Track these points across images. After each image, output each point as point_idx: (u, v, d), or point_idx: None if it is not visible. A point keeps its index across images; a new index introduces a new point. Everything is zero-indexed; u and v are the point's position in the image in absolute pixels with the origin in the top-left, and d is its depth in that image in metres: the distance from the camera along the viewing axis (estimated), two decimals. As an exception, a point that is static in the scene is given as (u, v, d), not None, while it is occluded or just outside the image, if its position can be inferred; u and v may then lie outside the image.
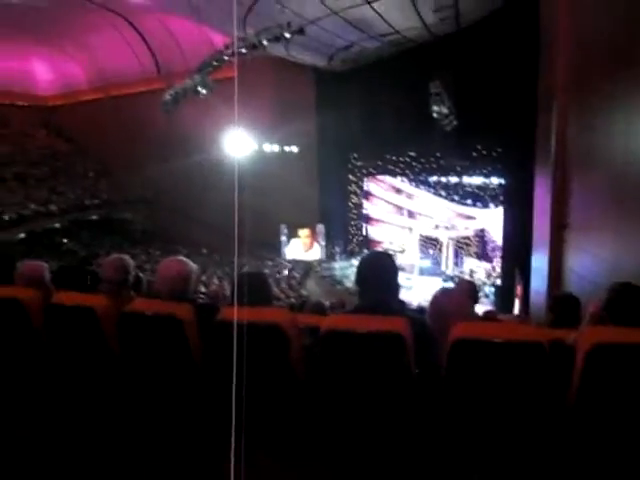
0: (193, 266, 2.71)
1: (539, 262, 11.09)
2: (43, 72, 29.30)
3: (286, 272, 21.80)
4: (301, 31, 13.39)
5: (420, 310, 5.94)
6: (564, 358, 2.11)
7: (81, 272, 3.34)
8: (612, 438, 1.99)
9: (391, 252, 21.83)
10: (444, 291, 2.45)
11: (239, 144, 15.22)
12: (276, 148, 20.83)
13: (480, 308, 7.67)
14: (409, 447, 2.12)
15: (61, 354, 2.85)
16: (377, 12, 14.01)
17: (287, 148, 21.26)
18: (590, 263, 8.05)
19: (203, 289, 14.41)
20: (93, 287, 3.17)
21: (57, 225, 24.06)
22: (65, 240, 25.06)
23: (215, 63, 16.12)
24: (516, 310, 14.08)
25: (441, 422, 2.13)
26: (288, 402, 2.34)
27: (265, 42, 13.62)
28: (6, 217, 20.71)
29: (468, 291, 3.20)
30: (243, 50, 14.44)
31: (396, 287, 2.32)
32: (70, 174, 27.35)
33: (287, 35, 13.24)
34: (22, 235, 21.68)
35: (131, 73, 26.36)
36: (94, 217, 26.00)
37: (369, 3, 13.33)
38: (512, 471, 2.05)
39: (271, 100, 21.83)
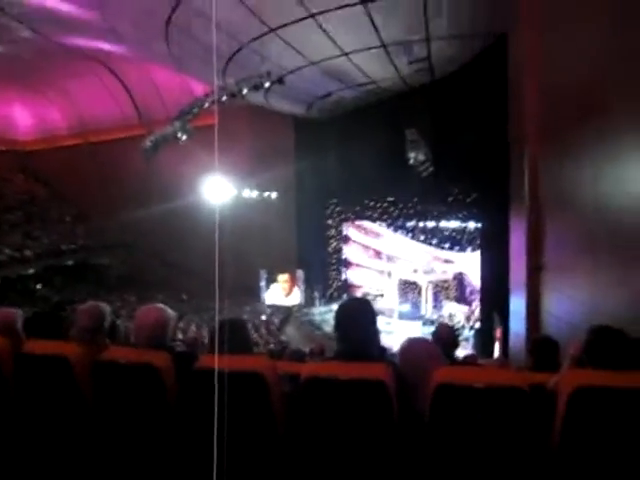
0: (171, 313, 2.67)
1: (517, 305, 11.16)
2: (23, 117, 29.39)
3: (264, 317, 21.57)
4: (281, 81, 13.74)
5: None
6: (546, 402, 2.11)
7: (54, 318, 3.25)
8: (597, 483, 1.97)
9: (370, 296, 21.86)
10: (412, 340, 2.45)
11: (218, 190, 15.29)
12: (255, 194, 20.97)
13: (460, 352, 7.64)
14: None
15: (31, 405, 2.74)
16: (354, 64, 14.48)
17: (266, 194, 21.42)
18: (567, 305, 8.13)
19: (181, 336, 14.13)
20: (66, 334, 3.09)
21: (31, 271, 23.57)
22: (39, 286, 24.52)
23: (195, 110, 16.36)
24: (496, 353, 14.07)
25: (426, 468, 2.09)
26: (269, 452, 2.28)
27: (245, 91, 13.90)
28: (-22, 263, 20.27)
29: (448, 335, 3.20)
30: (223, 98, 14.71)
31: (375, 333, 2.31)
32: (46, 219, 27.07)
33: (267, 84, 13.55)
34: (-6, 281, 21.17)
35: (111, 119, 26.59)
36: (70, 262, 25.57)
37: (347, 55, 13.79)
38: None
39: (250, 146, 22.14)
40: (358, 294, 22.82)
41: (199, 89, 17.50)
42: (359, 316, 2.25)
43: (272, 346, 14.80)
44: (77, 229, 27.38)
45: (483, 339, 16.79)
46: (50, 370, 2.60)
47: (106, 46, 19.39)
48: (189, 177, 18.55)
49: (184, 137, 16.71)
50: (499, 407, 1.97)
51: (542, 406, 2.09)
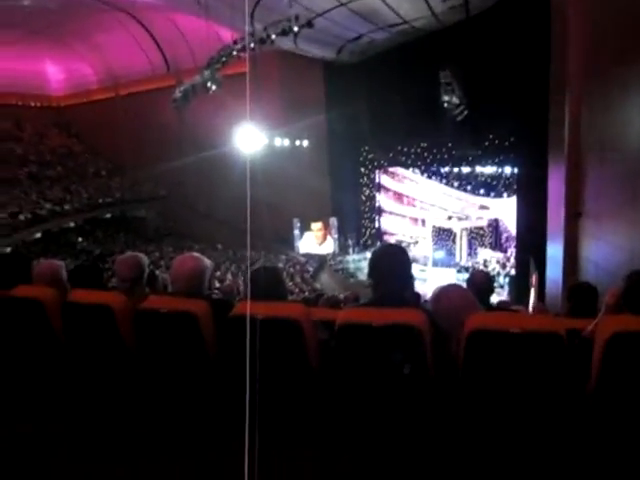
0: (207, 262, 2.72)
1: (554, 251, 10.99)
2: (55, 73, 29.57)
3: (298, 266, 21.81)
4: (309, 24, 13.33)
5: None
6: (582, 348, 2.09)
7: (95, 270, 3.37)
8: (632, 428, 1.97)
9: (404, 244, 21.79)
10: (445, 287, 2.43)
11: (250, 139, 15.20)
12: (287, 143, 20.80)
13: (495, 298, 7.61)
14: (428, 440, 2.11)
15: (79, 352, 2.87)
16: (385, 2, 13.90)
17: (298, 142, 21.23)
18: (606, 251, 7.96)
19: (217, 284, 14.47)
20: (107, 285, 3.19)
21: (72, 224, 24.30)
22: (80, 239, 25.30)
23: (224, 59, 16.12)
24: (532, 299, 13.98)
25: (460, 415, 2.12)
26: (305, 397, 2.34)
27: (273, 36, 13.59)
28: (22, 217, 20.93)
29: (483, 281, 3.16)
30: (252, 45, 14.42)
31: (410, 279, 2.31)
32: (83, 174, 27.60)
33: (295, 29, 13.19)
34: (38, 235, 21.90)
35: (141, 71, 26.48)
36: (108, 215, 26.21)
37: (377, -6, 13.24)
38: (533, 463, 2.03)
39: (280, 95, 21.80)
40: (392, 242, 22.77)
41: (227, 36, 17.13)
42: (393, 262, 2.25)
43: (306, 294, 15.03)
44: (113, 183, 27.88)
45: (519, 286, 16.68)
46: (94, 318, 2.71)
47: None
48: (221, 127, 18.47)
49: (214, 87, 16.55)
50: (535, 352, 1.96)
51: (579, 352, 2.07)
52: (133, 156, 27.26)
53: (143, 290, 3.07)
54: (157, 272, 4.03)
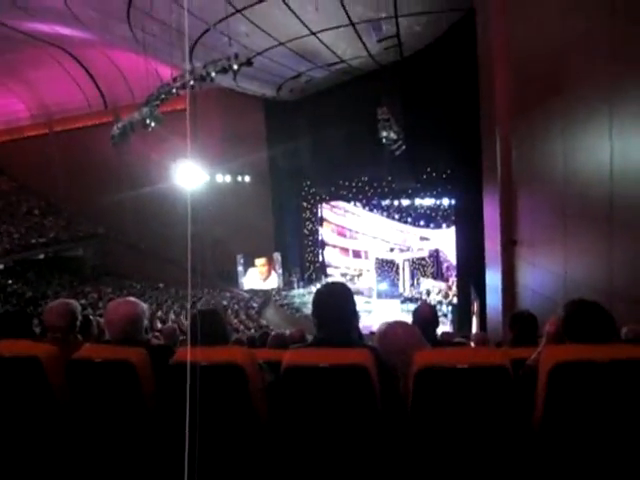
0: (143, 306, 2.59)
1: (493, 279, 11.32)
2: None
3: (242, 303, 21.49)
4: (249, 62, 13.48)
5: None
6: (527, 378, 2.11)
7: (23, 317, 3.13)
8: (579, 456, 1.99)
9: (348, 276, 21.96)
10: (390, 325, 2.43)
11: (191, 175, 15.04)
12: (228, 179, 20.74)
13: (439, 329, 7.72)
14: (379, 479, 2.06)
15: (3, 408, 2.65)
16: (323, 42, 14.31)
17: (239, 178, 21.22)
18: (542, 278, 8.26)
19: (160, 325, 13.99)
20: (41, 333, 2.98)
21: (1, 266, 22.98)
22: (10, 281, 23.95)
23: (163, 96, 15.98)
24: (474, 327, 14.30)
25: (410, 452, 2.09)
26: (250, 444, 2.24)
27: (213, 74, 13.61)
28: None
29: (429, 314, 3.19)
30: (191, 82, 14.40)
31: (354, 317, 2.27)
32: (13, 212, 26.35)
33: (235, 67, 13.28)
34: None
35: (77, 108, 25.92)
36: (41, 256, 24.99)
37: (315, 34, 13.60)
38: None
39: (221, 131, 21.85)
40: (336, 275, 22.89)
41: (166, 73, 17.07)
42: (337, 301, 2.21)
43: (252, 331, 14.78)
44: (46, 222, 26.76)
45: (461, 314, 17.06)
46: (21, 371, 2.51)
47: (67, 31, 18.75)
48: (160, 164, 18.24)
49: (153, 124, 16.34)
50: (482, 386, 1.97)
51: (523, 382, 2.10)
52: (69, 194, 26.39)
53: (76, 338, 2.89)
54: (91, 317, 3.82)
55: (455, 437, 2.03)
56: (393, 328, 2.35)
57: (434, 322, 3.17)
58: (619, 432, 1.93)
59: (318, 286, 15.83)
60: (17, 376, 2.53)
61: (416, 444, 2.09)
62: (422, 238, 21.19)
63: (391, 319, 2.56)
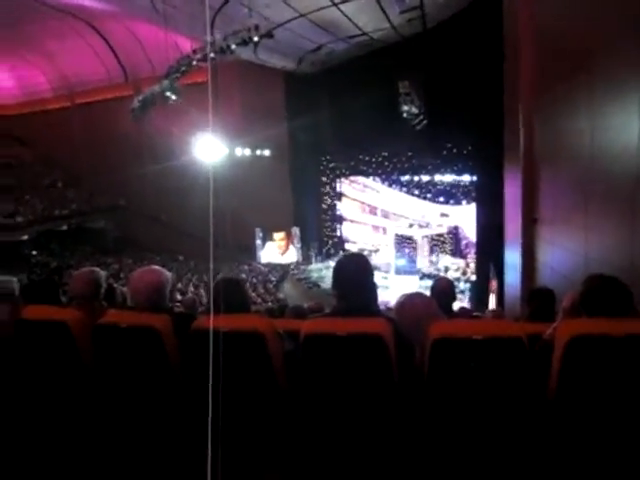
0: (167, 274, 2.65)
1: (512, 257, 11.24)
2: (6, 81, 28.55)
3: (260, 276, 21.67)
4: (269, 34, 13.34)
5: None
6: (543, 352, 2.13)
7: (50, 284, 3.22)
8: (593, 429, 2.02)
9: (366, 252, 21.94)
10: (408, 296, 2.46)
11: (211, 149, 15.06)
12: (248, 152, 20.71)
13: (456, 305, 7.73)
14: (395, 450, 2.11)
15: (33, 370, 2.75)
16: (344, 14, 14.06)
17: (259, 152, 21.18)
18: (562, 257, 8.19)
19: (179, 297, 14.22)
20: (67, 302, 3.08)
21: (24, 237, 23.43)
22: (34, 252, 24.44)
23: (183, 68, 15.95)
24: (491, 305, 14.27)
25: (426, 421, 2.13)
26: (270, 410, 2.31)
27: (233, 46, 13.50)
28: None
29: (446, 287, 3.21)
30: (211, 54, 14.32)
31: (373, 288, 2.31)
32: (36, 185, 26.73)
33: (255, 39, 13.16)
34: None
35: (97, 80, 25.97)
36: (64, 227, 25.41)
37: (336, 5, 13.37)
38: (498, 466, 2.06)
39: (241, 104, 21.75)
40: (354, 250, 22.90)
41: (186, 45, 16.98)
42: (356, 272, 2.24)
43: (270, 304, 14.94)
44: (69, 193, 27.12)
45: (478, 291, 17.01)
46: (50, 335, 2.60)
47: (87, 2, 18.71)
48: (180, 136, 18.27)
49: (173, 97, 16.35)
50: (497, 358, 1.99)
51: (539, 355, 2.12)
52: (90, 166, 26.63)
53: (101, 305, 2.97)
54: (115, 285, 3.92)
55: (470, 407, 2.07)
56: (411, 299, 2.39)
57: (451, 296, 3.19)
58: (632, 405, 1.95)
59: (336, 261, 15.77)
60: (46, 340, 2.63)
61: (431, 413, 2.13)
62: (442, 214, 21.02)
63: (411, 293, 2.58)
